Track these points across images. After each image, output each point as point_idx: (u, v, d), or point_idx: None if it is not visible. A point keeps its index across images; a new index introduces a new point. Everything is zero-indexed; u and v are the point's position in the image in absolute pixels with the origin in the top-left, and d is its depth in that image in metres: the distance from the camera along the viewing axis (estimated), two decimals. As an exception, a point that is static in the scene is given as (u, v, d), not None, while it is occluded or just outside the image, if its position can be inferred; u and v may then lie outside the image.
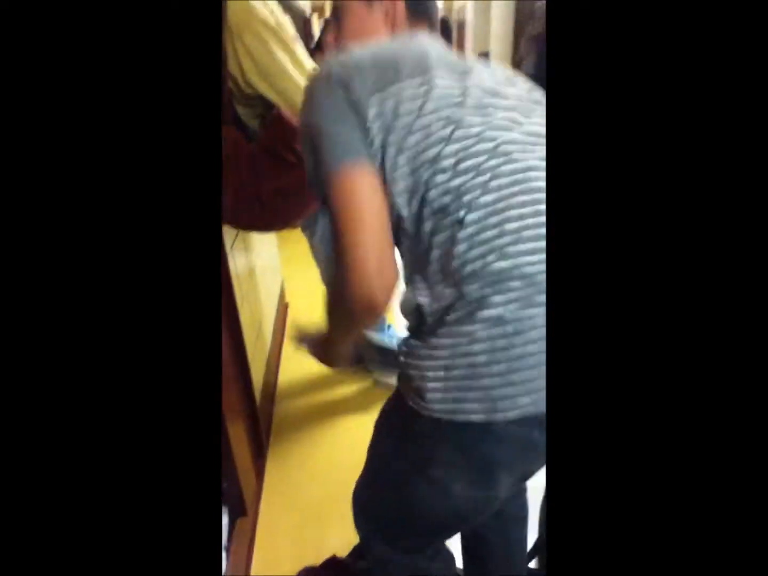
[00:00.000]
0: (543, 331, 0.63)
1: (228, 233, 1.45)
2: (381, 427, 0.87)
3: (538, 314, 0.63)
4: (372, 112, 0.67)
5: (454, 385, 0.65)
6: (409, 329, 0.74)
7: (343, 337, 0.83)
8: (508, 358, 0.63)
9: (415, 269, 0.71)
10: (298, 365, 2.20)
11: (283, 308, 2.54)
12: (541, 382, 0.63)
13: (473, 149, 0.66)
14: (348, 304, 0.64)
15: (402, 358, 0.72)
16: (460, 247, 0.64)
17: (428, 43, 0.75)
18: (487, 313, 0.63)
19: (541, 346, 0.63)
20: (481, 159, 0.65)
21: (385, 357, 0.80)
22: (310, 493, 1.60)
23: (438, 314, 0.67)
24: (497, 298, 0.63)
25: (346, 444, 1.74)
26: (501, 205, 0.64)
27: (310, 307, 2.50)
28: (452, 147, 0.66)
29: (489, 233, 0.64)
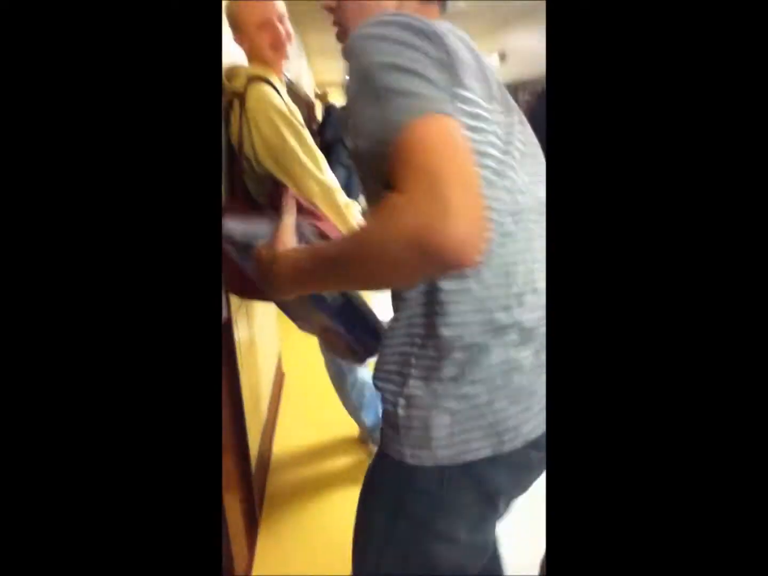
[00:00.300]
0: (535, 363, 0.69)
1: (233, 303, 1.51)
2: (370, 505, 0.79)
3: (531, 353, 0.69)
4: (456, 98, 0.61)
5: (459, 428, 0.67)
6: (397, 379, 0.71)
7: (354, 284, 0.69)
8: (507, 394, 0.67)
9: (417, 301, 0.68)
10: (293, 436, 2.20)
11: (279, 378, 2.56)
12: (536, 407, 0.69)
13: (501, 207, 0.67)
14: (431, 250, 0.50)
15: (401, 412, 0.69)
16: (472, 294, 0.66)
17: (472, 51, 0.68)
18: (487, 359, 0.67)
19: (533, 376, 0.69)
20: (504, 219, 0.67)
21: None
22: (301, 566, 1.56)
23: (442, 355, 0.67)
24: (496, 345, 0.67)
25: (339, 516, 1.71)
26: (510, 269, 0.68)
27: (307, 377, 2.53)
28: (488, 192, 0.65)
29: (497, 291, 0.67)
